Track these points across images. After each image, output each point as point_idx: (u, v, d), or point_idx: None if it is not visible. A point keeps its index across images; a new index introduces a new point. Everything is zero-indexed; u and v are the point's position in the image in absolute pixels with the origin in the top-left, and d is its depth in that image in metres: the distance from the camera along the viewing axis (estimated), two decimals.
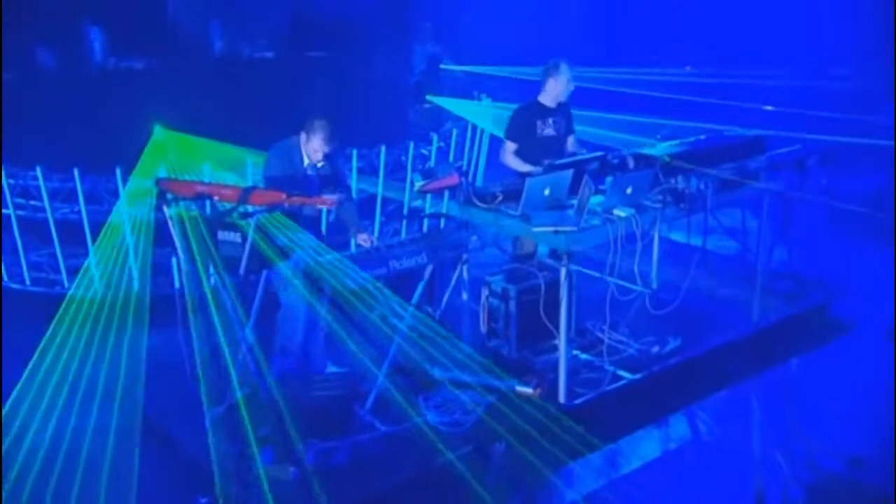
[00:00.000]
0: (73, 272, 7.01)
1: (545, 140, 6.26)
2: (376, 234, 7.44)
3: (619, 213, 5.37)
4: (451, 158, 8.24)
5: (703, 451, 5.38)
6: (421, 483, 4.77)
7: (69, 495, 4.57)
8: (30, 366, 5.56)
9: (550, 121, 6.29)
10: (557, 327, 5.43)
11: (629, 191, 5.44)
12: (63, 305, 6.04)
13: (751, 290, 6.48)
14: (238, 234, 4.67)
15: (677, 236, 6.82)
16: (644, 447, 5.31)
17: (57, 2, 8.69)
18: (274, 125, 5.73)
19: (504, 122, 6.46)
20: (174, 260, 6.07)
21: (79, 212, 6.99)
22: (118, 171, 6.81)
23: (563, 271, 5.22)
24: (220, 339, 5.03)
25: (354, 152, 7.21)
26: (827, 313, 6.87)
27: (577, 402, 5.40)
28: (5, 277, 7.21)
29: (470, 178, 6.90)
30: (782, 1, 10.26)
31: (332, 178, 5.46)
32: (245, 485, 4.58)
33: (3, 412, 5.11)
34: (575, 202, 5.31)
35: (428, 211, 7.46)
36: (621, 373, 5.68)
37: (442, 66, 10.07)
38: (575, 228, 5.14)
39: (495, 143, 6.76)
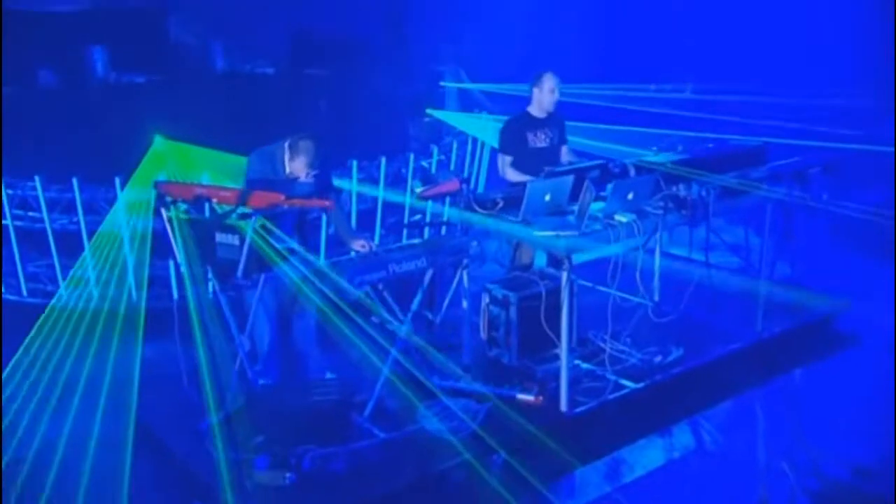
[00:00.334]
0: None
1: (538, 151, 6.25)
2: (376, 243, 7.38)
3: (621, 218, 5.33)
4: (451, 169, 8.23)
5: (708, 459, 5.30)
6: (419, 490, 4.69)
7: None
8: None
9: (541, 132, 6.29)
10: (558, 336, 5.37)
11: (630, 196, 5.41)
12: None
13: (754, 302, 6.43)
14: (236, 237, 4.63)
15: (679, 251, 6.81)
16: (647, 456, 5.23)
17: (60, 20, 8.77)
18: (274, 138, 5.71)
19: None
20: (171, 264, 6.06)
21: (77, 222, 6.97)
22: (117, 181, 6.79)
23: (563, 276, 5.17)
24: (217, 345, 4.98)
25: (354, 164, 7.18)
26: (831, 325, 6.80)
27: (579, 410, 5.33)
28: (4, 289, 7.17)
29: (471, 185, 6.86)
30: (785, 21, 10.30)
31: (314, 187, 5.28)
32: (241, 491, 4.50)
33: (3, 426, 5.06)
34: (576, 208, 5.28)
35: (428, 219, 7.42)
36: (623, 382, 5.61)
37: (442, 83, 10.10)
38: (576, 233, 5.10)
39: (496, 156, 6.74)
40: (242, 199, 4.64)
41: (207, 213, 4.94)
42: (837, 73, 9.46)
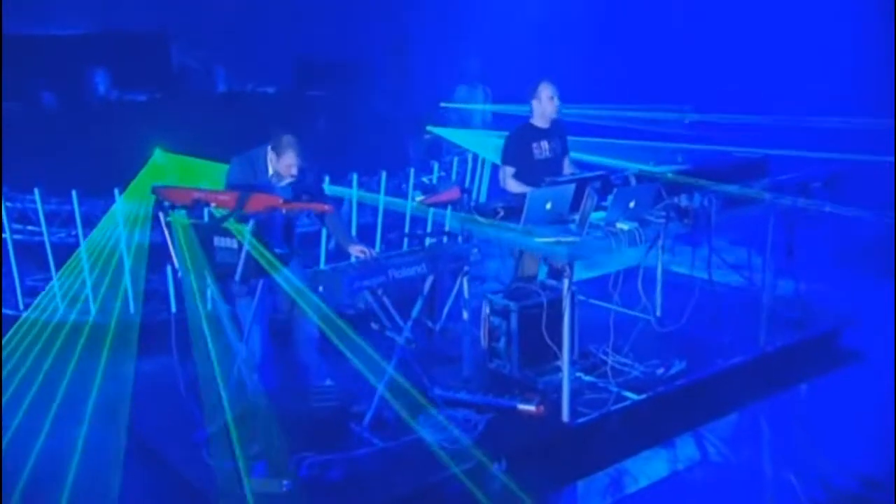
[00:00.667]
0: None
1: (542, 162, 6.23)
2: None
3: (622, 226, 5.29)
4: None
5: (713, 471, 5.21)
6: (417, 500, 4.60)
7: None
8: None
9: (545, 142, 6.27)
10: (560, 347, 5.30)
11: (632, 205, 5.37)
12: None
13: (756, 317, 6.37)
14: (234, 241, 4.58)
15: (681, 270, 6.77)
16: (651, 467, 5.15)
17: (63, 43, 8.83)
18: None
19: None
20: (168, 271, 6.02)
21: (76, 235, 6.93)
22: (117, 193, 6.75)
23: (565, 283, 5.11)
24: (214, 353, 4.92)
25: (355, 177, 7.16)
26: (835, 340, 6.73)
27: (581, 421, 5.24)
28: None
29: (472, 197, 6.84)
30: (784, 40, 10.36)
31: (300, 193, 5.23)
32: (237, 499, 4.41)
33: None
34: (577, 217, 5.25)
35: (429, 229, 7.38)
36: (626, 393, 5.53)
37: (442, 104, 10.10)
38: (577, 239, 5.06)
39: (497, 172, 6.73)
40: (241, 203, 4.60)
41: (206, 218, 4.89)
42: (839, 92, 9.48)
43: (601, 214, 5.38)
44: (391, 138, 9.03)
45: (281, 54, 9.82)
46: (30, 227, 7.08)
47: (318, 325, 5.16)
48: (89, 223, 6.92)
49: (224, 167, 5.58)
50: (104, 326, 6.42)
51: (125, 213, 6.53)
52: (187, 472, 4.77)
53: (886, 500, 4.71)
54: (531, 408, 5.26)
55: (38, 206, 6.91)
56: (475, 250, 5.30)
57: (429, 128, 8.94)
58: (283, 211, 4.79)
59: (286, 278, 4.79)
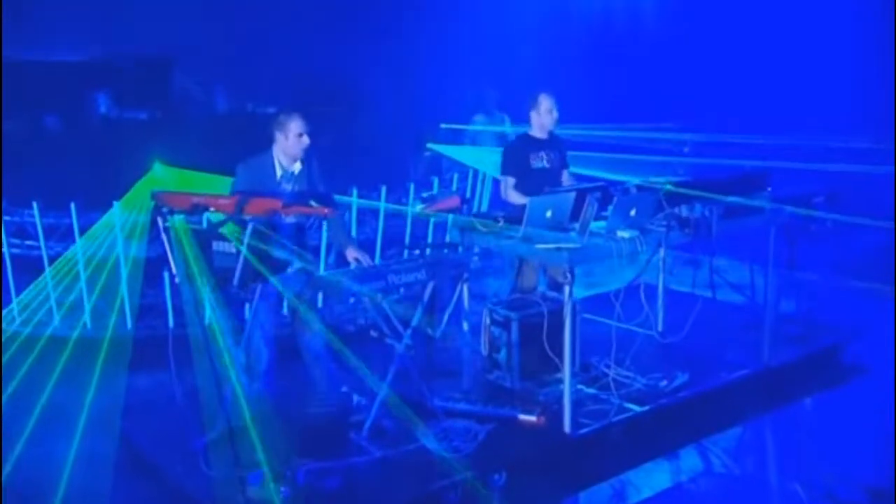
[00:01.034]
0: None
1: (539, 171, 6.22)
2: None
3: (623, 234, 5.26)
4: None
5: (718, 482, 5.13)
6: None
7: None
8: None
9: (542, 153, 6.27)
10: (561, 359, 5.25)
11: (633, 213, 5.35)
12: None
13: (759, 332, 6.31)
14: (232, 245, 4.55)
15: (682, 288, 6.73)
16: (653, 479, 5.07)
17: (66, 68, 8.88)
18: None
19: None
20: (166, 276, 5.99)
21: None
22: (116, 206, 6.73)
23: (566, 290, 5.07)
24: (213, 360, 4.86)
25: (355, 192, 7.14)
26: (838, 354, 6.66)
27: (583, 432, 5.17)
28: None
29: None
30: (783, 61, 10.41)
31: (307, 194, 5.21)
32: None
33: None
34: (577, 225, 5.22)
35: (430, 240, 7.34)
36: (628, 405, 5.46)
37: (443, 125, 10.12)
38: (578, 245, 5.02)
39: (498, 186, 6.72)
40: (240, 207, 4.58)
41: (205, 223, 4.86)
42: (840, 111, 9.49)
43: (601, 224, 5.35)
44: (391, 154, 9.04)
45: (282, 77, 9.87)
46: (28, 242, 7.05)
47: (322, 332, 5.11)
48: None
49: (224, 179, 5.58)
50: (98, 340, 6.39)
51: (121, 221, 6.50)
52: (185, 482, 4.69)
53: None
54: (532, 418, 5.19)
55: (37, 220, 6.88)
56: (475, 258, 5.26)
57: (429, 145, 8.95)
58: (284, 216, 4.74)
59: (283, 283, 4.75)
